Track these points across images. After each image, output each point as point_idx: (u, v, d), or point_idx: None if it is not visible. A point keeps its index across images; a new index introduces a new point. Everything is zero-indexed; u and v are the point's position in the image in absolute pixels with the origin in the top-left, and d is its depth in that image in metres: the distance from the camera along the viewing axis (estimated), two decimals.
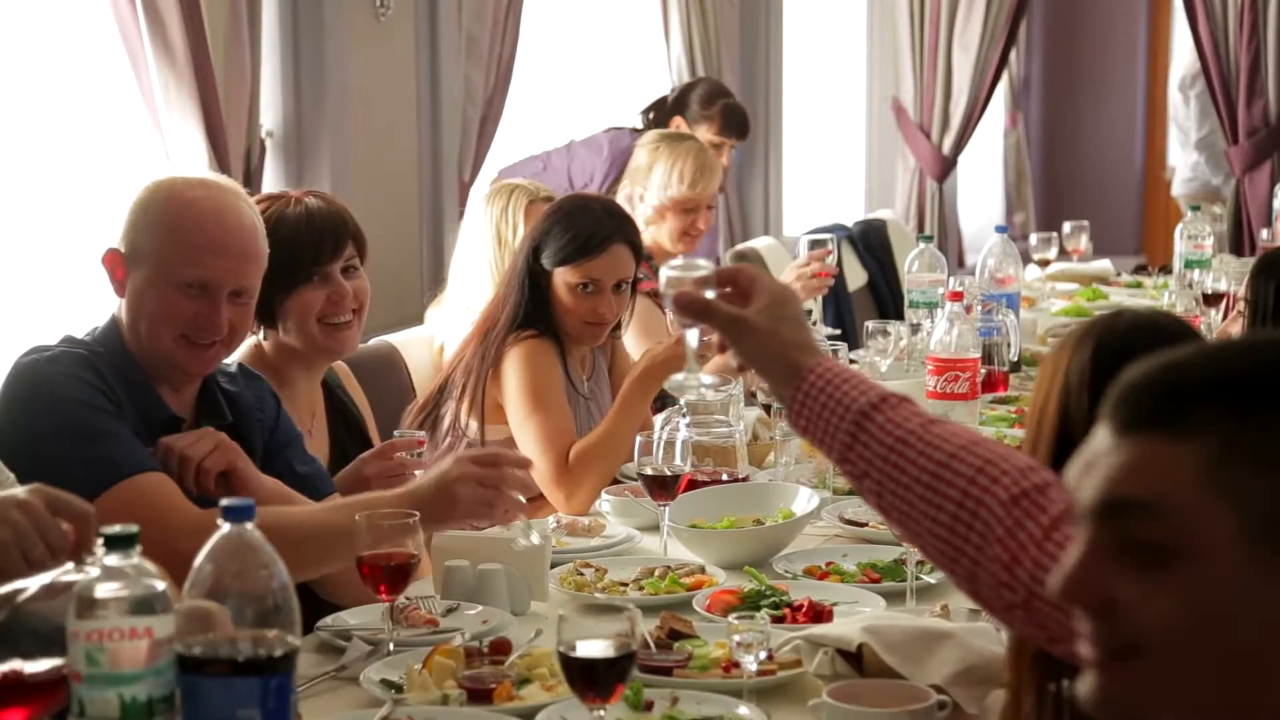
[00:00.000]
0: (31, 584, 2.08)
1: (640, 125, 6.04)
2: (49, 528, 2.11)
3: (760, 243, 6.64)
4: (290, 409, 3.30)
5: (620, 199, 4.80)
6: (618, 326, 4.01)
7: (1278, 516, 1.23)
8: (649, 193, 4.80)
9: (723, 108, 5.88)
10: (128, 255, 2.89)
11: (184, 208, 2.89)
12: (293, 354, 3.35)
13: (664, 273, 2.36)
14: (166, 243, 2.87)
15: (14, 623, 2.06)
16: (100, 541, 1.91)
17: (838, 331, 5.61)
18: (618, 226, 3.84)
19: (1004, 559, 1.75)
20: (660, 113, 6.04)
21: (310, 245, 3.27)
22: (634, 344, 4.39)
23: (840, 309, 6.22)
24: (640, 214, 4.78)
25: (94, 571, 1.89)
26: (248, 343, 3.33)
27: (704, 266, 2.14)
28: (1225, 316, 4.85)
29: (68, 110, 4.36)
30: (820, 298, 5.01)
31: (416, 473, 3.06)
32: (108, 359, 2.86)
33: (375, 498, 2.77)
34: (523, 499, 2.73)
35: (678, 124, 5.85)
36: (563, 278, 3.76)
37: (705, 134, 5.78)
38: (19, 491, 2.14)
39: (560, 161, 5.80)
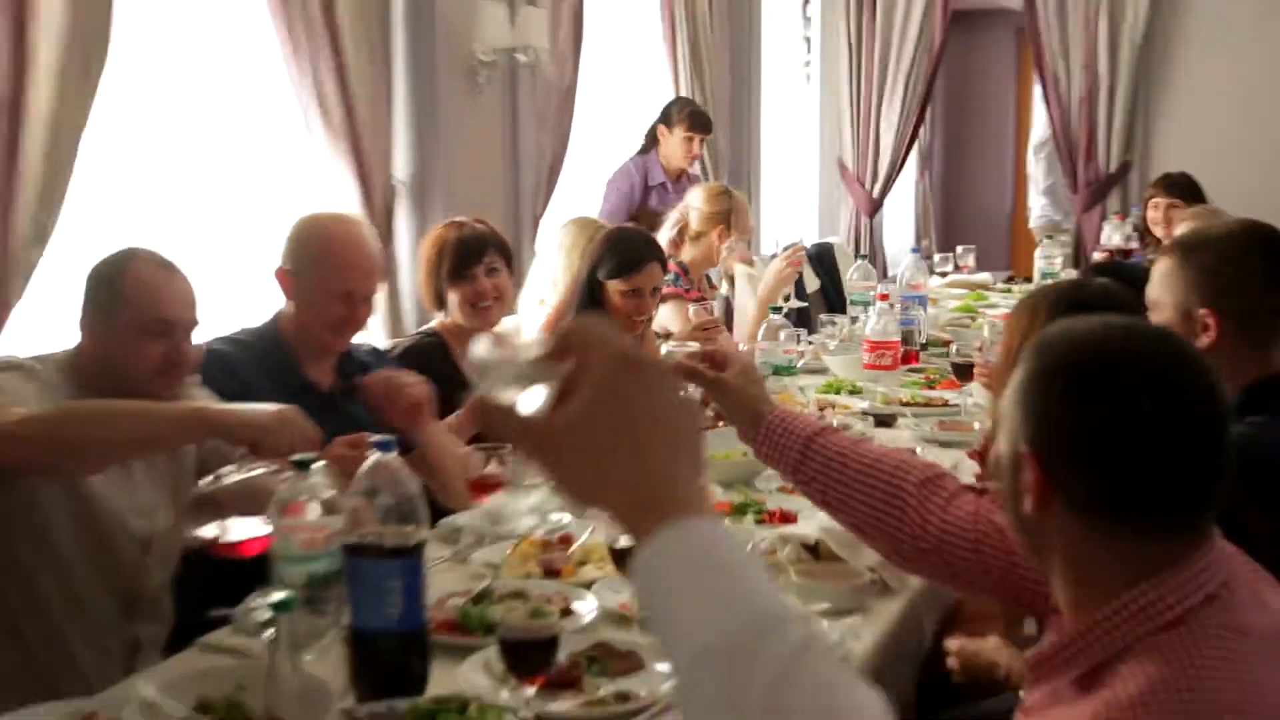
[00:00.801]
0: (261, 469, 2.13)
1: (645, 143, 6.07)
2: (305, 433, 2.14)
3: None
4: (462, 359, 3.39)
5: (669, 223, 4.86)
6: (649, 320, 4.05)
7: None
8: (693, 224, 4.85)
9: (689, 112, 5.90)
10: (293, 272, 2.95)
11: (331, 240, 2.97)
12: (461, 327, 3.48)
13: (666, 348, 2.57)
14: (322, 266, 2.92)
15: (218, 492, 2.11)
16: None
17: (805, 304, 5.70)
18: (651, 251, 3.89)
19: (917, 522, 1.84)
20: (652, 131, 6.05)
21: (463, 255, 3.47)
22: (667, 318, 4.51)
23: (800, 311, 6.23)
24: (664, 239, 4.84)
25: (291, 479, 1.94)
26: (439, 317, 3.58)
27: (693, 347, 2.28)
28: None
29: (257, 160, 4.37)
30: (791, 289, 5.03)
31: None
32: (257, 348, 2.93)
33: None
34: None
35: (662, 131, 5.87)
36: (614, 287, 3.81)
37: (680, 132, 5.82)
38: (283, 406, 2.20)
39: (612, 189, 5.92)
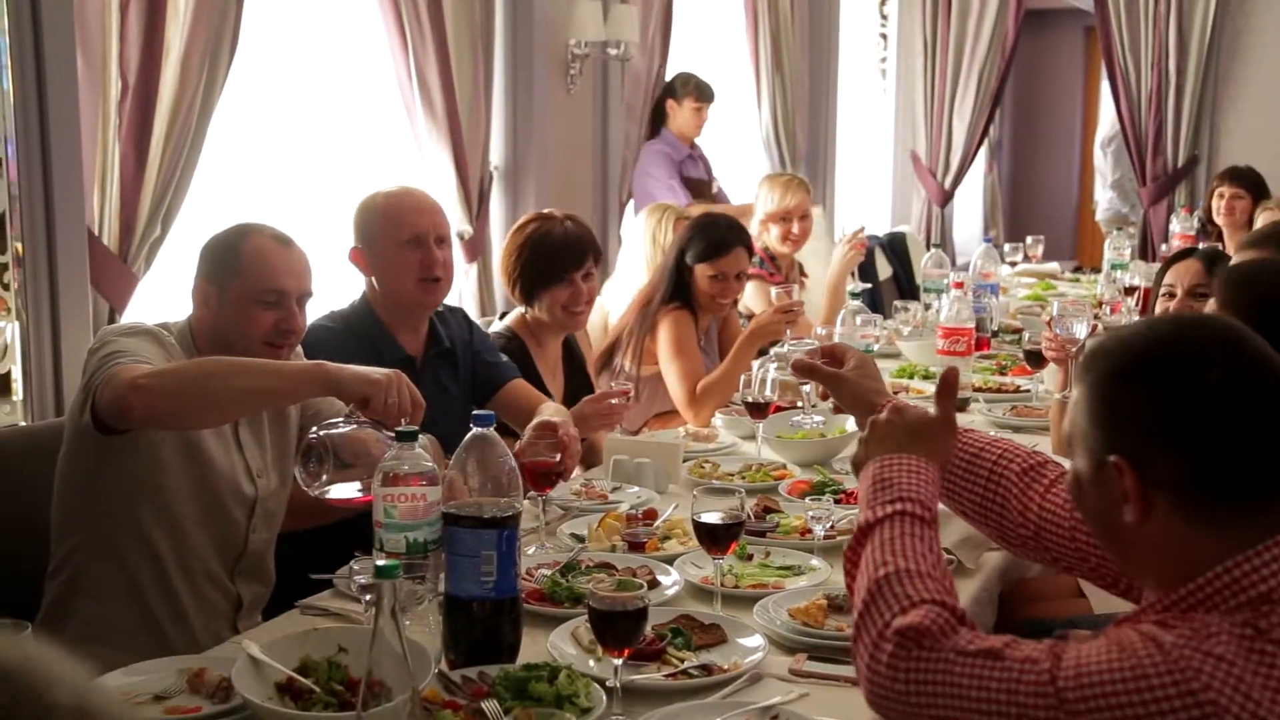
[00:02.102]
0: (369, 425, 2.10)
1: (654, 123, 5.82)
2: (410, 396, 2.12)
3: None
4: (540, 358, 3.37)
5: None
6: (735, 303, 3.99)
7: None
8: (757, 212, 4.75)
9: (695, 84, 5.75)
10: (364, 246, 2.90)
11: (386, 199, 2.90)
12: (543, 325, 3.38)
13: (788, 348, 2.50)
14: (384, 223, 2.86)
15: (327, 440, 2.09)
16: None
17: (869, 286, 5.60)
18: (737, 236, 3.80)
19: (1018, 509, 1.78)
20: (657, 110, 5.86)
21: (565, 258, 3.31)
22: (750, 299, 4.47)
23: (873, 292, 6.14)
24: (754, 228, 4.74)
25: (394, 450, 1.91)
26: (516, 313, 3.42)
27: (811, 343, 2.22)
28: (1139, 303, 4.71)
29: (361, 148, 4.38)
30: (856, 272, 4.92)
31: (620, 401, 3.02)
32: (354, 323, 2.88)
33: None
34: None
35: (671, 105, 5.72)
36: (701, 271, 3.75)
37: (690, 103, 5.71)
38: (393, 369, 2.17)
39: (660, 171, 5.74)
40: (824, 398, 2.14)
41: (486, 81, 4.40)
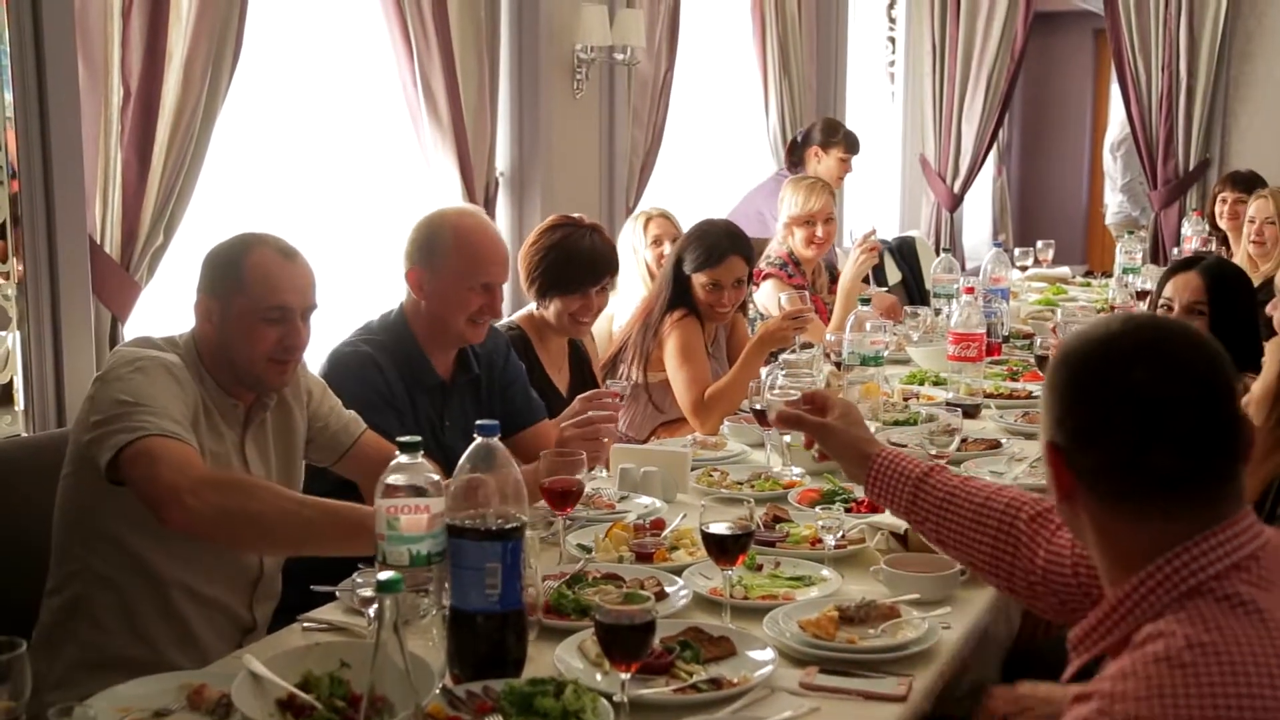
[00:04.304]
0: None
1: (785, 165, 6.00)
2: None
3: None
4: (545, 356, 3.37)
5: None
6: (741, 307, 3.95)
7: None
8: (780, 217, 4.72)
9: (844, 134, 5.79)
10: (427, 270, 2.83)
11: (465, 233, 2.83)
12: (550, 324, 3.37)
13: (769, 399, 2.48)
14: (458, 260, 2.80)
15: None
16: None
17: (885, 289, 5.61)
18: (732, 244, 3.76)
19: (1027, 556, 1.79)
20: (794, 151, 5.96)
21: (586, 273, 3.30)
22: (767, 298, 4.48)
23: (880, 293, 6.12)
24: (777, 234, 4.71)
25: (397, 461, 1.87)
26: (526, 309, 3.43)
27: (795, 394, 2.20)
28: (1150, 307, 4.68)
29: (366, 154, 4.36)
30: (871, 275, 4.91)
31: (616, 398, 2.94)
32: (390, 342, 2.82)
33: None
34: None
35: (815, 152, 5.77)
36: (697, 279, 3.73)
37: (838, 153, 5.72)
38: None
39: (749, 202, 5.90)
40: (809, 446, 2.10)
41: (492, 87, 4.38)
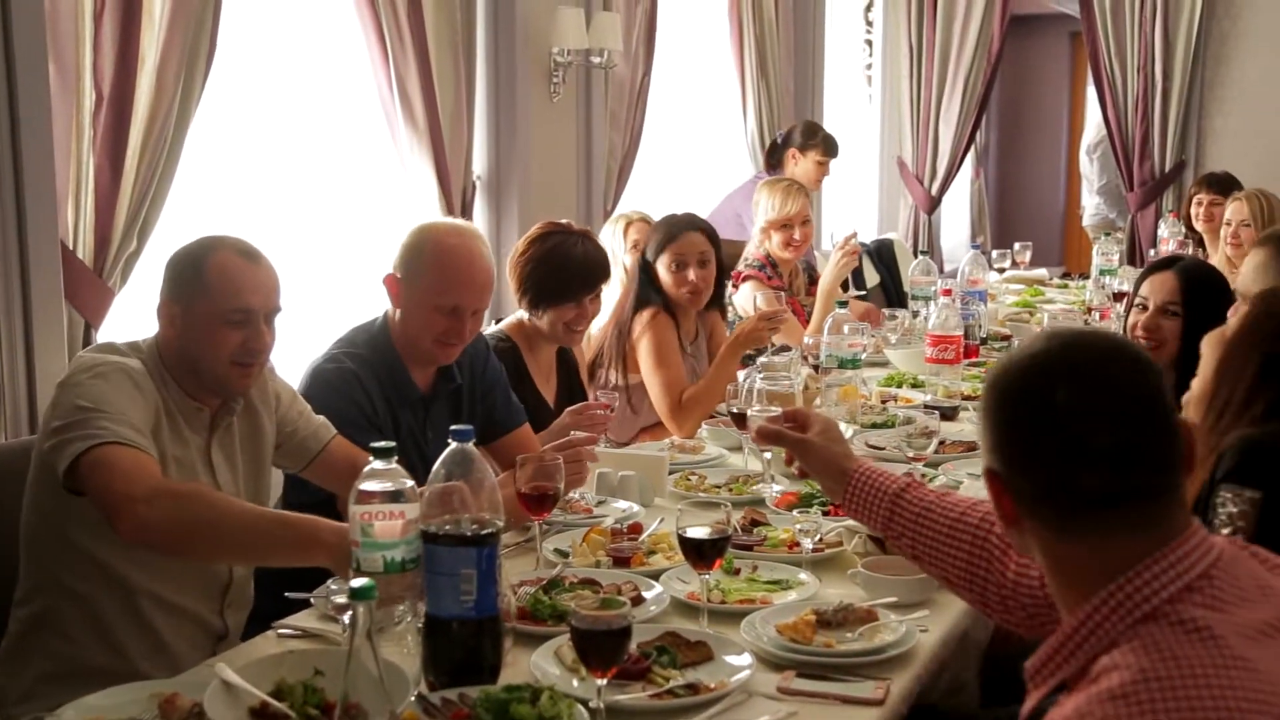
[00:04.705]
0: None
1: (764, 167, 6.00)
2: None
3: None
4: (533, 364, 3.34)
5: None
6: (715, 301, 3.89)
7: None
8: (758, 220, 4.72)
9: (824, 137, 5.80)
10: (402, 281, 2.79)
11: (444, 253, 2.77)
12: (542, 333, 3.33)
13: (750, 415, 2.46)
14: (431, 278, 2.75)
15: None
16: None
17: (864, 294, 5.63)
18: (690, 221, 3.75)
19: (999, 570, 1.79)
20: (773, 153, 5.96)
21: (580, 281, 3.26)
22: (745, 299, 4.47)
23: (862, 300, 6.11)
24: (754, 237, 4.72)
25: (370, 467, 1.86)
26: (513, 317, 3.38)
27: (775, 411, 2.20)
28: (1126, 308, 4.71)
29: (342, 159, 4.34)
30: (850, 278, 4.92)
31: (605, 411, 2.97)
32: (373, 356, 2.78)
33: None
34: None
35: (793, 154, 5.78)
36: (662, 264, 3.70)
37: (815, 156, 5.73)
38: None
39: (728, 204, 5.90)
40: (789, 462, 2.10)
41: (469, 91, 4.36)
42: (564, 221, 3.42)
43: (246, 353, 2.26)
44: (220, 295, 2.24)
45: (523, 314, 3.35)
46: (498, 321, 3.48)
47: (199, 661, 2.13)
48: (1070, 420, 1.31)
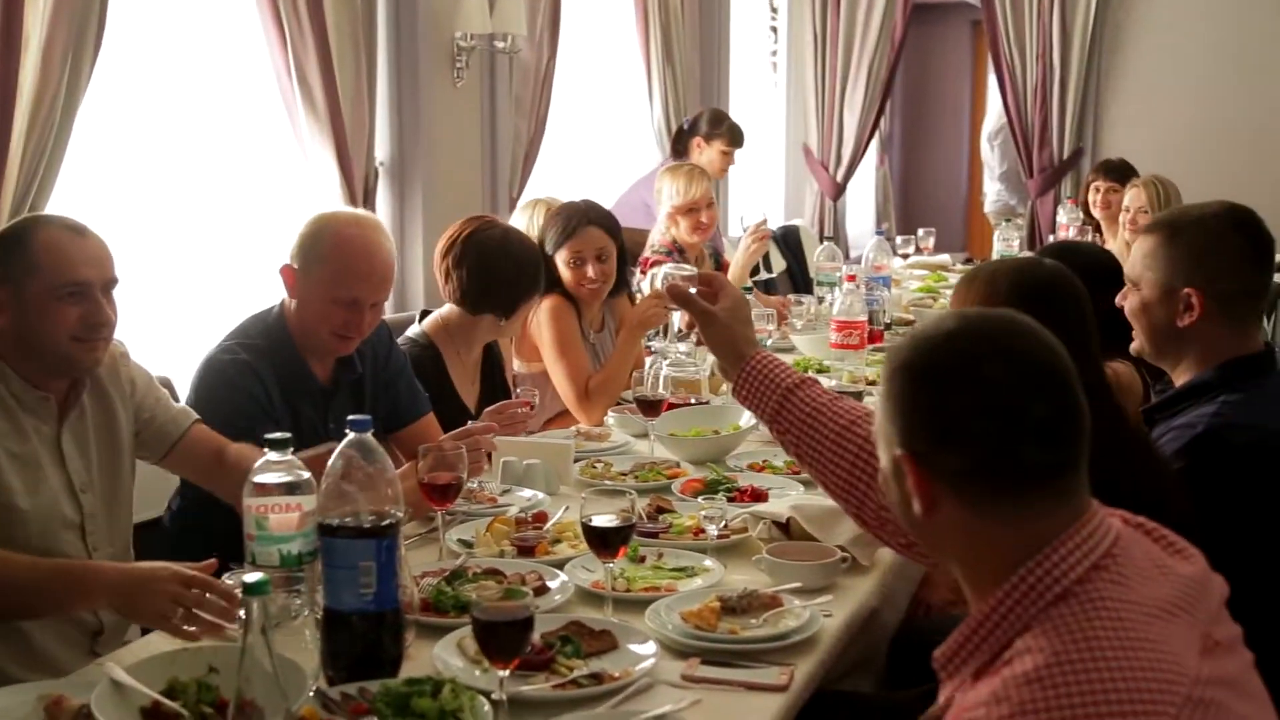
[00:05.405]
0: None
1: (670, 154, 5.99)
2: (174, 596, 1.93)
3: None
4: (455, 366, 3.31)
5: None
6: (618, 290, 3.86)
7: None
8: (662, 206, 4.72)
9: (729, 127, 5.80)
10: (299, 271, 2.74)
11: (343, 243, 2.72)
12: (470, 332, 3.32)
13: (664, 269, 2.42)
14: (329, 269, 2.70)
15: None
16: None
17: (772, 276, 5.66)
18: (586, 215, 3.69)
19: (880, 488, 1.72)
20: (679, 140, 5.96)
21: (527, 288, 3.32)
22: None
23: (768, 284, 6.15)
24: (660, 223, 4.72)
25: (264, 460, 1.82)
26: (434, 316, 3.34)
27: (690, 270, 2.16)
28: None
29: (240, 146, 4.24)
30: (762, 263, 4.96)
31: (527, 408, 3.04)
32: (269, 347, 2.73)
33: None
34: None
35: (698, 143, 5.78)
36: (560, 258, 3.67)
37: (720, 145, 5.73)
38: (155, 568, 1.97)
39: (635, 192, 5.89)
40: (690, 327, 2.07)
41: (370, 76, 4.29)
42: (485, 216, 3.40)
43: (87, 328, 2.19)
44: (52, 271, 2.16)
45: (441, 311, 3.30)
46: (424, 316, 3.40)
47: (78, 660, 2.07)
48: (1006, 393, 1.30)
